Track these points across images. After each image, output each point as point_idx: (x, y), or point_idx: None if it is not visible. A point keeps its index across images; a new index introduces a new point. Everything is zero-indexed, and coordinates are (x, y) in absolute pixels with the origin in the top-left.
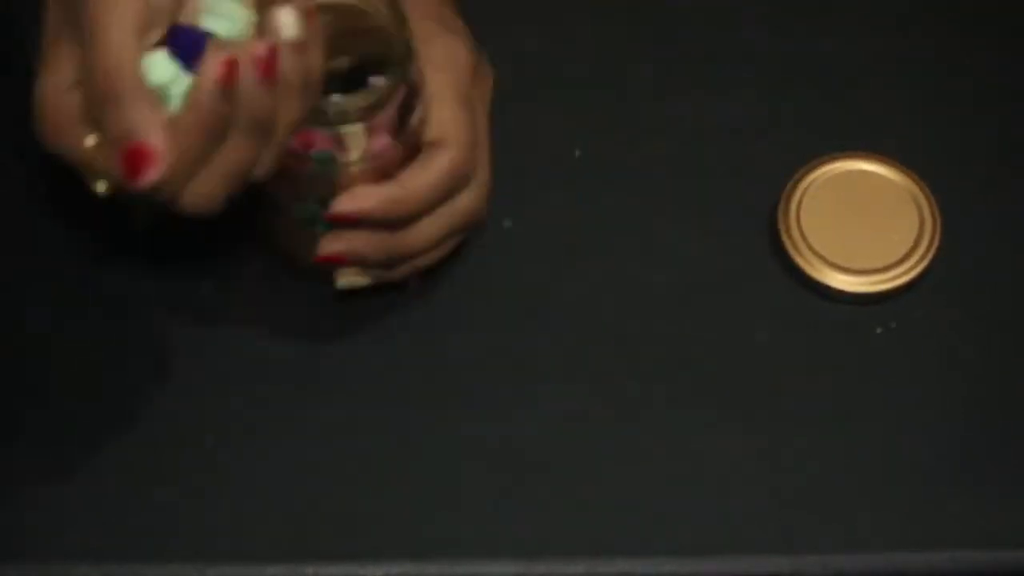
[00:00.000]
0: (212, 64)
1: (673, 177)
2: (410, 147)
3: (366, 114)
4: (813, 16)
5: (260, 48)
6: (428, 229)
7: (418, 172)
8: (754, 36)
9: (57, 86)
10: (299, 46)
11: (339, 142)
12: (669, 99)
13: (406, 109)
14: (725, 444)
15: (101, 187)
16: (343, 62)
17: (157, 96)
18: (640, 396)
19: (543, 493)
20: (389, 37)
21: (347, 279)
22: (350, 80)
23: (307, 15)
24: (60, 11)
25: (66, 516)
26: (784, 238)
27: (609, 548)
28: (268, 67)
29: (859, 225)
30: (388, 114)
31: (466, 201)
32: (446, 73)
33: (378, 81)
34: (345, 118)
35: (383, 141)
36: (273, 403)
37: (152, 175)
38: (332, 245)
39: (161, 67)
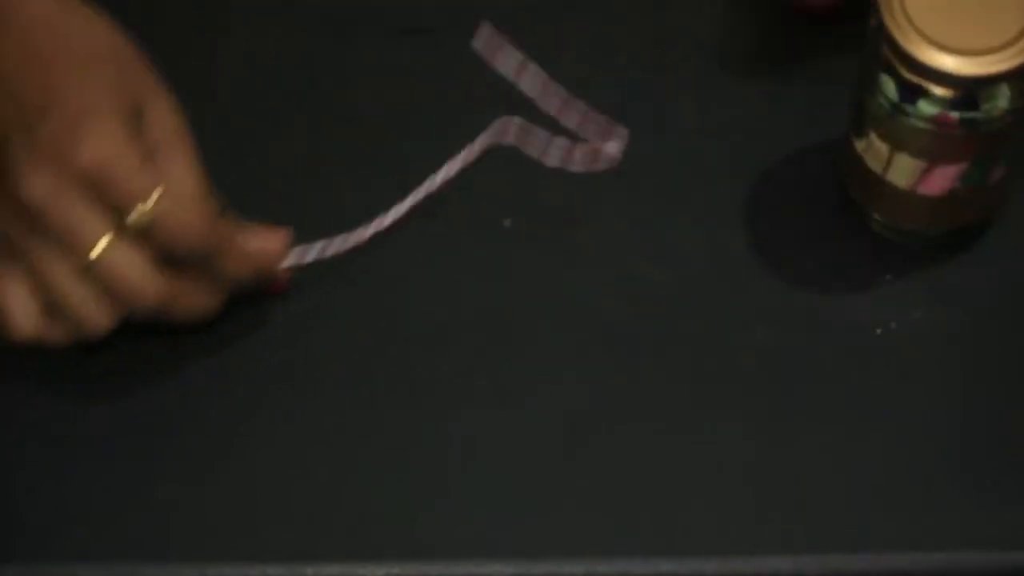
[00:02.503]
0: None
1: (673, 176)
2: None
3: None
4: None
5: None
6: None
7: None
8: (759, 34)
9: (124, 133)
10: None
11: None
12: (669, 98)
13: None
14: (725, 444)
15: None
16: None
17: None
18: (640, 396)
19: (543, 493)
20: None
21: None
22: None
23: None
24: None
25: (66, 516)
26: (888, 20)
27: (609, 548)
28: None
29: (966, 4)
30: None
31: None
32: None
33: None
34: None
35: None
36: (273, 403)
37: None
38: None
39: None
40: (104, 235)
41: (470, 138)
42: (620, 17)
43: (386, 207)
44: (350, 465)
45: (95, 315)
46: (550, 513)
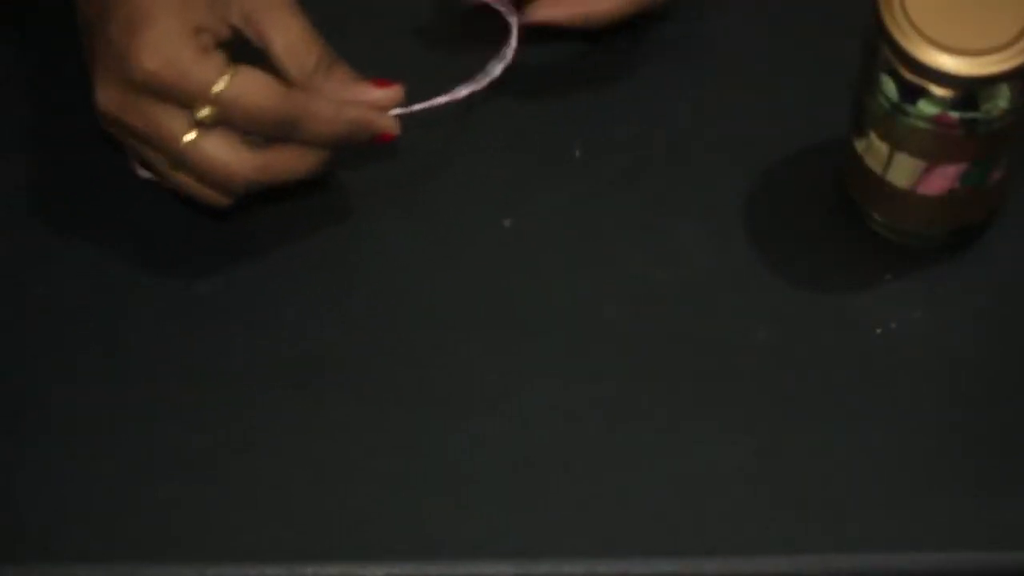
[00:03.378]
0: None
1: (673, 177)
2: None
3: None
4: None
5: None
6: None
7: None
8: (758, 34)
9: (184, 29)
10: None
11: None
12: (670, 99)
13: None
14: (725, 444)
15: (202, 113)
16: None
17: None
18: (640, 396)
19: (543, 493)
20: None
21: None
22: None
23: None
24: None
25: (66, 516)
26: (888, 20)
27: (609, 548)
28: None
29: (966, 4)
30: None
31: None
32: None
33: None
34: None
35: None
36: (273, 403)
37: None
38: None
39: None
40: (185, 130)
41: (469, 136)
42: None
43: (384, 197)
44: (350, 465)
45: (207, 195)
46: (550, 513)
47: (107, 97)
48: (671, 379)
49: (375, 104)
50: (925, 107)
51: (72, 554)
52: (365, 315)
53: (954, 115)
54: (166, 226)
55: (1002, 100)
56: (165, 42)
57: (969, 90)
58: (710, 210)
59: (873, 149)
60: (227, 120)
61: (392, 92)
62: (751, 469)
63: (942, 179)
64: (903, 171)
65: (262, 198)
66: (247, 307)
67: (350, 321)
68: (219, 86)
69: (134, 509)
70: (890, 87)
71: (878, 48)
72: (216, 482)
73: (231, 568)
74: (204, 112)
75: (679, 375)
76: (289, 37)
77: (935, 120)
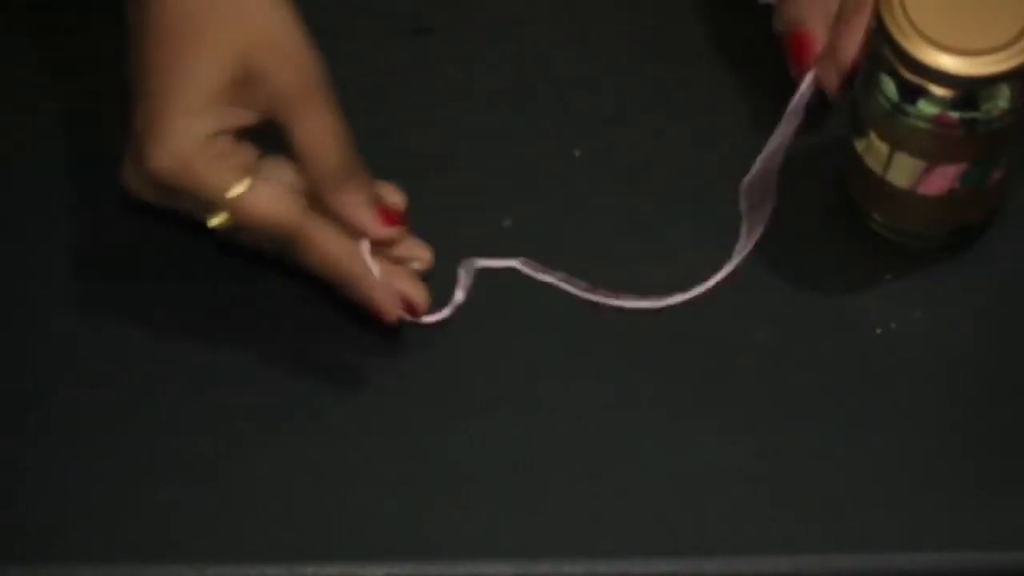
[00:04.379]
0: None
1: (673, 177)
2: None
3: None
4: None
5: None
6: None
7: None
8: (755, 34)
9: (201, 133)
10: None
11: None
12: (669, 99)
13: None
14: (725, 444)
15: (215, 220)
16: None
17: None
18: (640, 396)
19: (543, 493)
20: None
21: None
22: None
23: None
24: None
25: (66, 516)
26: (888, 20)
27: (609, 548)
28: None
29: (966, 4)
30: None
31: None
32: None
33: None
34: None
35: None
36: (273, 403)
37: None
38: None
39: None
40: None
41: (470, 137)
42: (619, 18)
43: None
44: (350, 465)
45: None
46: (550, 513)
47: (129, 175)
48: (671, 379)
49: (374, 237)
50: (925, 107)
51: (75, 554)
52: (364, 315)
53: (954, 115)
54: (168, 227)
55: (1002, 100)
56: (179, 147)
57: (969, 90)
58: (710, 210)
59: (873, 149)
60: (240, 225)
61: (392, 232)
62: (751, 469)
63: (942, 179)
64: (903, 171)
65: None
66: (247, 307)
67: (350, 321)
68: (234, 192)
69: (136, 509)
70: (890, 87)
71: (878, 48)
72: (217, 482)
73: (231, 568)
74: (217, 219)
75: (679, 375)
76: (312, 136)
77: (935, 120)
